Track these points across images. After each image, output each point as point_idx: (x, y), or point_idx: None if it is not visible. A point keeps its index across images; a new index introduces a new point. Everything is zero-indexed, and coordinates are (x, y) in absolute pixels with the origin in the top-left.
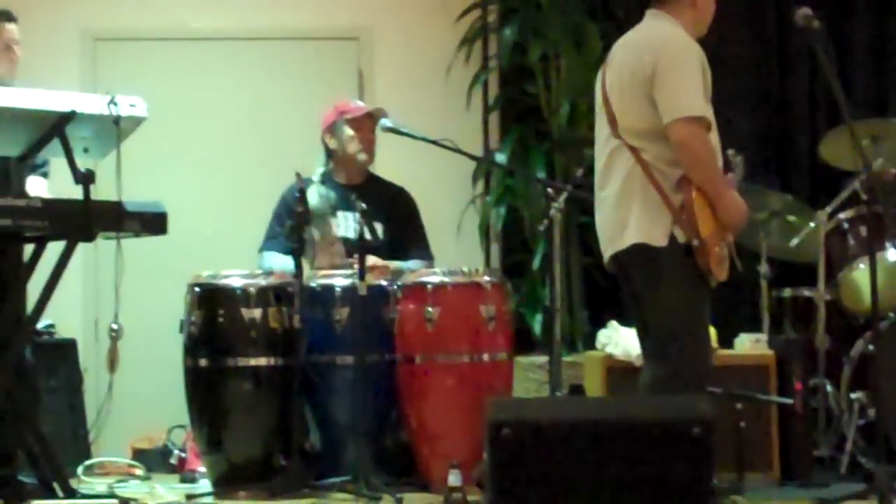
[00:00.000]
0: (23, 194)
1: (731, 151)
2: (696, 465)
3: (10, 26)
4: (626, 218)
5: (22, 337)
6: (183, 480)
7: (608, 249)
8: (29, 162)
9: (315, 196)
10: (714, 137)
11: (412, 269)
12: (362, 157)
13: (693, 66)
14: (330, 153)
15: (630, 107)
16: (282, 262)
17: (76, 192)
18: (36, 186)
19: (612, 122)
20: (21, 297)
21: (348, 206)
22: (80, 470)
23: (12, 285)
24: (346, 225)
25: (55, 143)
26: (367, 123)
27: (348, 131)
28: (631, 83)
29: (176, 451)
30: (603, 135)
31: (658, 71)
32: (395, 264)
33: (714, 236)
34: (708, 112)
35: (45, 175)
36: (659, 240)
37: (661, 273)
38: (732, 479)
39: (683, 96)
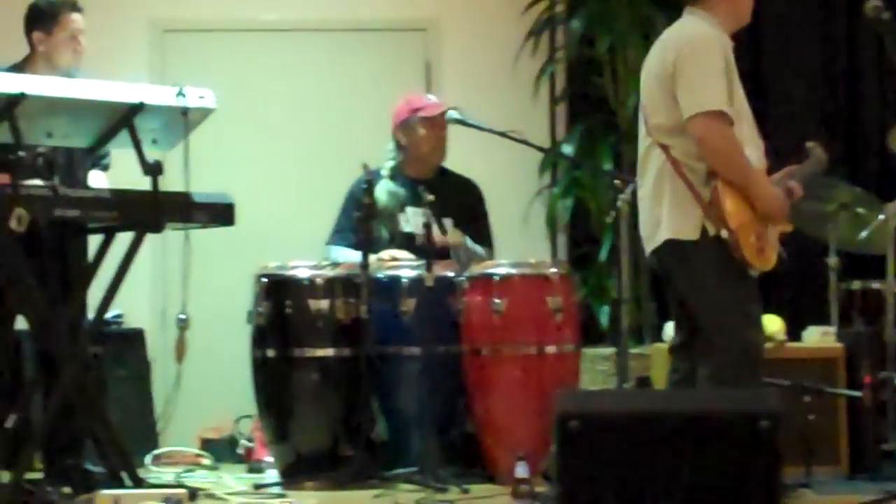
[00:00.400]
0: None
1: (810, 144)
2: (764, 458)
3: (76, 16)
4: (659, 215)
5: (90, 328)
6: (250, 470)
7: (647, 247)
8: (91, 154)
9: (384, 193)
10: (749, 128)
11: (478, 252)
12: (434, 156)
13: (713, 61)
14: (400, 148)
15: (658, 105)
16: (348, 258)
17: (138, 184)
18: (96, 180)
19: (645, 120)
20: (87, 287)
21: (417, 202)
22: (147, 459)
23: (80, 276)
24: (414, 221)
25: (123, 135)
26: (440, 122)
27: (421, 130)
28: (657, 82)
29: (243, 441)
30: (641, 134)
31: (678, 68)
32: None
33: (747, 227)
34: (734, 104)
35: (105, 167)
36: (690, 234)
37: (696, 267)
38: (800, 472)
39: (701, 92)
